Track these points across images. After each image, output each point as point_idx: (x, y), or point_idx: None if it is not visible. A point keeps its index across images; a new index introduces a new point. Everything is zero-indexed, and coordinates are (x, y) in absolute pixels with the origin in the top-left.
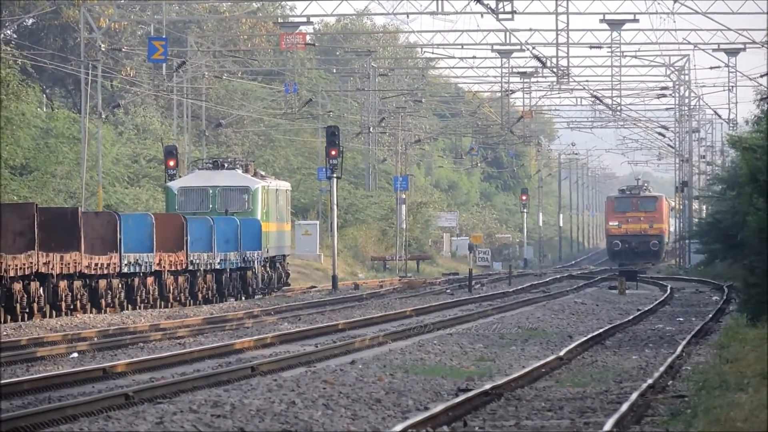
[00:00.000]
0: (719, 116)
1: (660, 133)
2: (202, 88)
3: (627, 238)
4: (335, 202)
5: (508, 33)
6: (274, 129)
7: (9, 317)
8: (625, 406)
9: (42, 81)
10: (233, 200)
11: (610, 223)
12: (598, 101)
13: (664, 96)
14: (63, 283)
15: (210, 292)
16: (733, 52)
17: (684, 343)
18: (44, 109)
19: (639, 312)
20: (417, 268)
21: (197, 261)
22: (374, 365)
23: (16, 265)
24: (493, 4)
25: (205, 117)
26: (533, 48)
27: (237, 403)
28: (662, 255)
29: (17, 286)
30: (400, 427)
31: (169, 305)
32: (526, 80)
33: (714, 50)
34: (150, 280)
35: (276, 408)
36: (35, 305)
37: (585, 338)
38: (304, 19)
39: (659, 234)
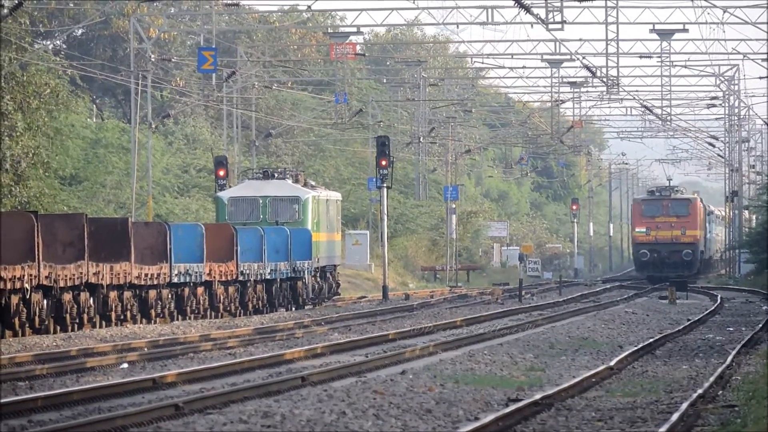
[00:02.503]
0: None
1: (710, 143)
2: (251, 98)
3: (656, 247)
4: (385, 211)
5: (557, 43)
6: (324, 139)
7: (59, 327)
8: (675, 416)
9: (92, 91)
10: (283, 210)
11: (637, 230)
12: (647, 111)
13: (714, 106)
14: (113, 294)
15: (260, 302)
16: None
17: (734, 352)
18: (94, 120)
19: (689, 322)
20: (467, 279)
21: (247, 271)
22: (424, 375)
23: (66, 276)
24: (542, 14)
25: (254, 127)
26: (583, 58)
27: (287, 414)
28: (696, 266)
29: (67, 297)
30: None
31: (220, 315)
32: (575, 90)
33: (763, 60)
34: (200, 290)
35: (326, 418)
36: (85, 315)
37: (635, 348)
38: (354, 29)
39: (693, 242)
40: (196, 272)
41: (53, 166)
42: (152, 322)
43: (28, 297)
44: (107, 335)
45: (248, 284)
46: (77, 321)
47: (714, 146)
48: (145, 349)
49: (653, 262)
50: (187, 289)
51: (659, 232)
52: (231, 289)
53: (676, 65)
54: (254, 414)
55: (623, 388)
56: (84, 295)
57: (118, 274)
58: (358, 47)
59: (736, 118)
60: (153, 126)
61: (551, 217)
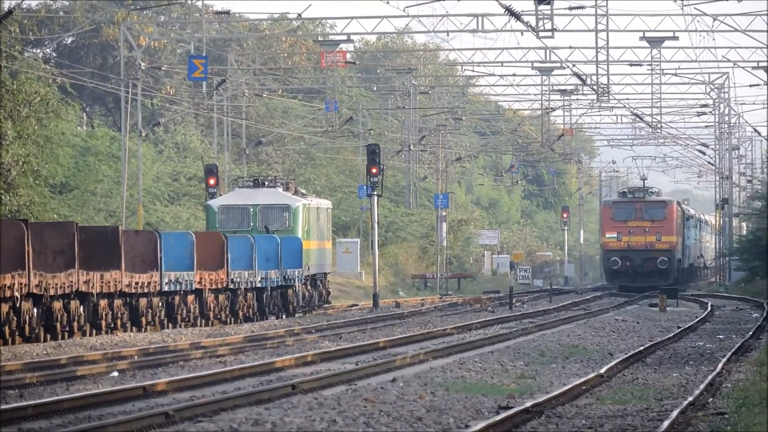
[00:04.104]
0: (759, 133)
1: (700, 151)
2: (242, 106)
3: (629, 255)
4: (376, 219)
5: (548, 51)
6: (314, 147)
7: (49, 336)
8: (665, 424)
9: (82, 99)
10: (274, 218)
11: (607, 235)
12: (638, 119)
13: (704, 113)
14: (103, 302)
15: (251, 310)
16: None
17: (724, 360)
18: (84, 128)
19: (679, 329)
20: (458, 286)
21: (238, 279)
22: (415, 383)
23: (57, 284)
24: (533, 22)
25: (245, 135)
26: (573, 65)
27: (278, 422)
28: (673, 275)
29: (57, 305)
30: None
31: (210, 323)
32: (566, 98)
33: (753, 68)
34: (190, 298)
35: (317, 426)
36: (75, 324)
37: (626, 356)
38: (345, 37)
39: (669, 249)
40: (187, 280)
41: (43, 175)
42: (143, 330)
43: (18, 305)
44: (97, 343)
45: (239, 292)
46: (67, 329)
47: (704, 154)
48: (136, 357)
49: (625, 270)
50: (177, 298)
51: (632, 237)
52: (221, 297)
53: (666, 73)
54: (245, 422)
55: (613, 395)
56: (74, 304)
57: (109, 282)
58: (348, 55)
59: (726, 125)
60: (143, 134)
61: (542, 225)
